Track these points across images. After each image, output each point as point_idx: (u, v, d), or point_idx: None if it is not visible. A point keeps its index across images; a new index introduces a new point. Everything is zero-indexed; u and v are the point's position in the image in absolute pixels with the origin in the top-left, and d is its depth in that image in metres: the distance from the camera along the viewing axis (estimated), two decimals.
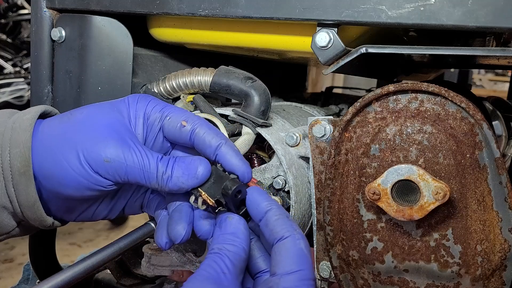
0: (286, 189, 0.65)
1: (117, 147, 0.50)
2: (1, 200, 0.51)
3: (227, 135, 0.63)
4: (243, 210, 0.52)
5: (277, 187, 0.65)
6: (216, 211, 0.51)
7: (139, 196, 0.60)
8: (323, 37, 0.58)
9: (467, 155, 0.56)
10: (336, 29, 0.58)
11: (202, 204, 0.52)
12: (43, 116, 0.56)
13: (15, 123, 0.52)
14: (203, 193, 0.51)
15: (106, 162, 0.49)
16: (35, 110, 0.55)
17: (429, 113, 0.57)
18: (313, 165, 0.63)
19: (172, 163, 0.51)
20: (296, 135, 0.66)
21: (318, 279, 0.67)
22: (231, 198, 0.50)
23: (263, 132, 0.65)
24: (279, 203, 0.64)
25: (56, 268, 0.88)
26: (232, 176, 0.52)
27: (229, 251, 0.47)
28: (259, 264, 0.52)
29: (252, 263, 0.52)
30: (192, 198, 0.52)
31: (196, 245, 0.78)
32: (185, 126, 0.53)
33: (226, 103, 0.81)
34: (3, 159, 0.50)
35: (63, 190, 0.52)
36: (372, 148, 0.59)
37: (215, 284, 0.43)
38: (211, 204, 0.51)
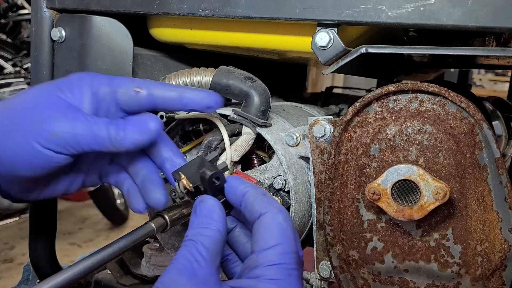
0: (286, 189, 0.65)
1: (63, 119, 0.50)
2: None
3: (227, 135, 0.63)
4: (223, 199, 0.52)
5: (277, 187, 0.65)
6: (195, 198, 0.51)
7: (96, 167, 0.60)
8: (323, 37, 0.58)
9: (467, 155, 0.56)
10: (336, 29, 0.58)
11: (183, 189, 0.52)
12: None
13: None
14: (183, 177, 0.51)
15: (55, 136, 0.49)
16: None
17: (429, 113, 0.57)
18: (313, 165, 0.63)
19: (122, 123, 0.51)
20: (296, 135, 0.66)
21: (318, 279, 0.67)
22: (209, 184, 0.50)
23: (263, 132, 0.65)
24: (279, 203, 0.64)
25: (56, 268, 0.88)
26: (217, 165, 0.52)
27: (203, 236, 0.46)
28: (248, 248, 0.52)
29: (240, 248, 0.52)
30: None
31: None
32: (140, 91, 0.53)
33: (226, 103, 0.81)
34: None
35: (17, 173, 0.51)
36: (372, 148, 0.59)
37: (189, 275, 0.43)
38: (189, 189, 0.51)
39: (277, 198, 0.64)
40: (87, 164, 0.59)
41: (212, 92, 0.55)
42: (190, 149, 0.70)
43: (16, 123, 0.50)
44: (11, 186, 0.55)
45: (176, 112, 0.72)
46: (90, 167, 0.60)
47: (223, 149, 0.63)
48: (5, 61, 3.60)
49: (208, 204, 0.49)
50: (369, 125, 0.59)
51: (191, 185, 0.51)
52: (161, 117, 0.73)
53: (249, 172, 0.67)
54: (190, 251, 0.44)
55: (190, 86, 0.55)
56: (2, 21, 3.79)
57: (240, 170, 0.67)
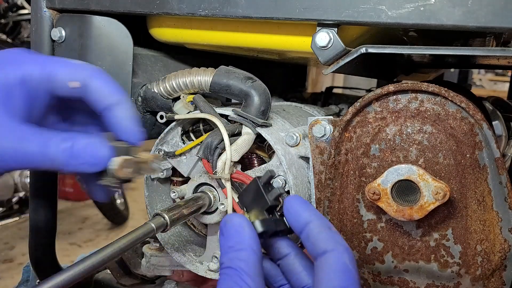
0: (286, 189, 0.65)
1: None
2: None
3: (227, 135, 0.63)
4: (276, 218, 0.49)
5: (277, 187, 0.65)
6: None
7: None
8: (323, 37, 0.58)
9: (467, 155, 0.56)
10: (336, 29, 0.58)
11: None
12: None
13: None
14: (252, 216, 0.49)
15: None
16: None
17: (429, 113, 0.57)
18: (313, 165, 0.63)
19: (69, 147, 0.46)
20: (296, 135, 0.66)
21: None
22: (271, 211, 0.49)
23: (263, 132, 0.65)
24: (279, 203, 0.64)
25: (56, 268, 0.88)
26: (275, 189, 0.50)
27: (241, 261, 0.43)
28: (302, 279, 0.48)
29: (294, 278, 0.49)
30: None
31: (195, 245, 0.78)
32: (75, 86, 0.48)
33: (226, 103, 0.81)
34: None
35: None
36: (372, 148, 0.59)
37: None
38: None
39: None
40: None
41: (141, 130, 0.49)
42: (190, 149, 0.70)
43: None
44: None
45: (176, 112, 0.72)
46: None
47: (223, 149, 0.63)
48: None
49: (235, 224, 0.46)
50: (369, 125, 0.59)
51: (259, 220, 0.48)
52: (161, 117, 0.73)
53: (249, 172, 0.67)
54: (234, 280, 0.42)
55: (129, 103, 0.49)
56: (2, 21, 3.79)
57: (240, 170, 0.67)
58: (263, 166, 0.67)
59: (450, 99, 0.55)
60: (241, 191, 0.53)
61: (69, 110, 0.54)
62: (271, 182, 0.50)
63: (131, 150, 0.49)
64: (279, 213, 0.50)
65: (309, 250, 0.46)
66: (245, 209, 0.50)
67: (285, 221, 0.49)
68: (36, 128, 0.47)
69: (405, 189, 0.57)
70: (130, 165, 0.48)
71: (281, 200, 0.49)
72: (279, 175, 0.65)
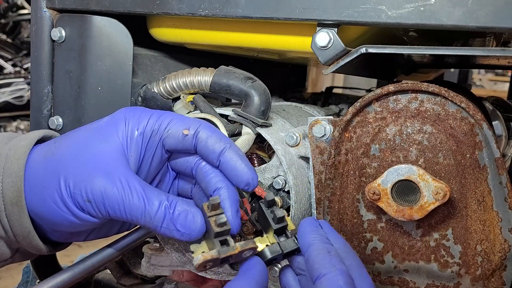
0: (286, 189, 0.65)
1: (103, 184, 0.47)
2: None
3: (227, 135, 0.63)
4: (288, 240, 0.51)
5: (277, 187, 0.65)
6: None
7: None
8: (323, 37, 0.58)
9: (467, 155, 0.56)
10: (336, 29, 0.58)
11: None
12: (45, 139, 0.54)
13: (10, 150, 0.50)
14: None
15: (88, 203, 0.47)
16: (31, 137, 0.52)
17: (429, 113, 0.57)
18: (313, 165, 0.63)
19: (169, 216, 0.48)
20: (296, 135, 0.66)
21: None
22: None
23: (263, 132, 0.65)
24: (279, 203, 0.64)
25: (56, 268, 0.88)
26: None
27: None
28: None
29: None
30: None
31: None
32: (187, 134, 0.51)
33: (226, 103, 0.81)
34: None
35: (53, 226, 0.50)
36: (372, 148, 0.59)
37: None
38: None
39: (277, 198, 0.64)
40: None
41: (252, 169, 0.52)
42: None
43: (54, 178, 0.48)
44: (54, 234, 0.53)
45: (176, 112, 0.72)
46: None
47: None
48: (5, 61, 3.60)
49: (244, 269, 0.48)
50: (369, 125, 0.59)
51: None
52: None
53: None
54: None
55: (236, 147, 0.52)
56: (2, 21, 3.79)
57: None
58: (263, 166, 0.67)
59: (450, 99, 0.55)
60: (256, 216, 0.55)
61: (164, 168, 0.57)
62: (274, 205, 0.52)
63: (227, 236, 0.49)
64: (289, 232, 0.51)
65: (308, 272, 0.47)
66: (264, 232, 0.52)
67: (295, 240, 0.50)
68: (145, 183, 0.49)
69: (405, 189, 0.57)
70: (213, 262, 0.47)
71: (286, 220, 0.51)
72: (279, 175, 0.65)
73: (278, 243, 0.50)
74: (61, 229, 0.51)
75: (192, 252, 0.48)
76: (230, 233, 0.48)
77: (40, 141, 0.54)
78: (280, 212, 0.50)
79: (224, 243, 0.47)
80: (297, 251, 0.50)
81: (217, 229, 0.47)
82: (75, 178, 0.48)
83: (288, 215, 0.53)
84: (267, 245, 0.50)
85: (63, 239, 0.54)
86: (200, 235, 0.49)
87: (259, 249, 0.49)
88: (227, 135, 0.63)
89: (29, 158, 0.50)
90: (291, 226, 0.52)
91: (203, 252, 0.47)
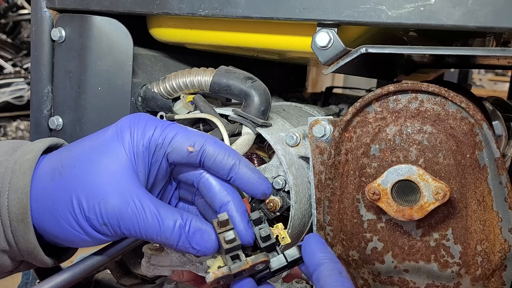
0: (286, 189, 0.65)
1: (117, 205, 0.47)
2: (0, 245, 0.50)
3: (227, 135, 0.63)
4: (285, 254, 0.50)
5: (277, 187, 0.65)
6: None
7: None
8: (323, 37, 0.58)
9: (467, 155, 0.56)
10: (336, 29, 0.58)
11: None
12: (52, 148, 0.54)
13: (16, 164, 0.49)
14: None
15: (104, 227, 0.47)
16: (37, 149, 0.51)
17: (429, 113, 0.57)
18: (313, 165, 0.63)
19: (184, 235, 0.48)
20: (296, 135, 0.66)
21: None
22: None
23: (263, 132, 0.65)
24: (279, 203, 0.64)
25: (56, 268, 0.88)
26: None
27: None
28: None
29: None
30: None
31: None
32: (192, 151, 0.50)
33: (226, 103, 0.81)
34: (1, 204, 0.48)
35: (65, 244, 0.50)
36: (372, 148, 0.59)
37: None
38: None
39: (277, 198, 0.64)
40: None
41: (265, 179, 0.51)
42: None
43: (65, 197, 0.48)
44: (55, 246, 0.53)
45: (176, 112, 0.72)
46: None
47: None
48: (5, 61, 3.60)
49: None
50: (369, 125, 0.59)
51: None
52: (161, 117, 0.73)
53: None
54: None
55: (246, 160, 0.51)
56: (2, 21, 3.80)
57: None
58: (263, 166, 0.67)
59: (450, 99, 0.55)
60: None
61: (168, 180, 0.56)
62: (262, 222, 0.51)
63: (238, 251, 0.49)
64: (280, 248, 0.51)
65: None
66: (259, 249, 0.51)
67: (286, 257, 0.50)
68: (158, 201, 0.49)
69: (405, 189, 0.57)
70: (226, 278, 0.48)
71: (273, 237, 0.51)
72: (279, 175, 0.65)
73: (283, 255, 0.50)
74: (74, 246, 0.51)
75: (208, 267, 0.49)
76: (244, 245, 0.49)
77: (47, 150, 0.53)
78: (265, 231, 0.50)
79: (235, 257, 0.48)
80: (289, 267, 0.51)
81: (227, 246, 0.48)
82: (88, 201, 0.47)
83: (285, 228, 0.53)
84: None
85: (74, 248, 0.55)
86: (214, 251, 0.49)
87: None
88: (227, 135, 0.63)
89: (36, 173, 0.49)
90: (286, 240, 0.52)
91: (219, 267, 0.48)
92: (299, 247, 0.50)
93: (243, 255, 0.48)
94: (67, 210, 0.47)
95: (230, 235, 0.48)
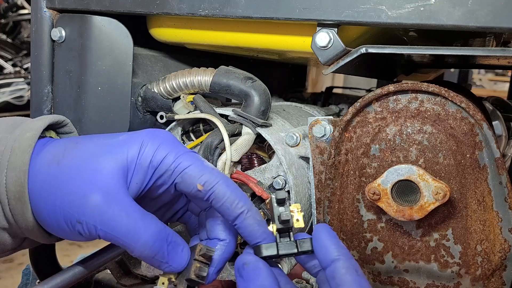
0: (286, 189, 0.65)
1: (98, 208, 0.45)
2: (0, 222, 0.49)
3: (227, 135, 0.63)
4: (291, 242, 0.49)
5: (277, 187, 0.65)
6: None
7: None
8: (323, 37, 0.58)
9: (467, 155, 0.56)
10: (336, 29, 0.58)
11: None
12: (53, 125, 0.53)
13: (15, 142, 0.49)
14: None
15: (79, 224, 0.46)
16: (37, 127, 0.51)
17: (429, 113, 0.57)
18: (313, 165, 0.63)
19: (163, 249, 0.47)
20: (296, 135, 0.66)
21: None
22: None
23: (263, 132, 0.65)
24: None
25: (56, 268, 0.88)
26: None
27: None
28: None
29: None
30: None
31: None
32: (201, 190, 0.48)
33: (226, 103, 0.81)
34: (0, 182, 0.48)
35: (47, 228, 0.50)
36: (372, 148, 0.59)
37: None
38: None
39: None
40: None
41: (269, 233, 0.50)
42: (190, 149, 0.70)
43: (56, 191, 0.47)
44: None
45: (176, 112, 0.72)
46: None
47: (223, 149, 0.63)
48: (5, 61, 3.60)
49: (252, 266, 0.46)
50: (369, 125, 0.59)
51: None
52: (161, 117, 0.73)
53: (249, 172, 0.67)
54: None
55: (255, 209, 0.50)
56: (2, 21, 3.79)
57: (240, 170, 0.67)
58: (263, 166, 0.67)
59: (450, 99, 0.55)
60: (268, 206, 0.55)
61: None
62: (285, 203, 0.50)
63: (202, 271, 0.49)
64: (293, 235, 0.51)
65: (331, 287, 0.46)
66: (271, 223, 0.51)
67: (297, 245, 0.49)
68: (142, 210, 0.47)
69: (405, 189, 0.57)
70: None
71: (291, 223, 0.50)
72: (279, 175, 0.65)
73: (276, 244, 0.49)
74: (55, 234, 0.50)
75: (157, 278, 0.49)
76: (193, 282, 0.49)
77: (49, 127, 0.52)
78: (287, 215, 0.49)
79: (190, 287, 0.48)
80: (296, 255, 0.50)
81: (193, 277, 0.47)
82: (69, 195, 0.46)
83: (301, 211, 0.52)
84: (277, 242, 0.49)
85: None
86: (180, 270, 0.49)
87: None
88: (227, 135, 0.63)
89: (38, 155, 0.49)
90: (300, 224, 0.50)
91: (162, 283, 0.49)
92: (311, 240, 0.49)
93: None
94: (53, 199, 0.47)
95: (204, 271, 0.48)
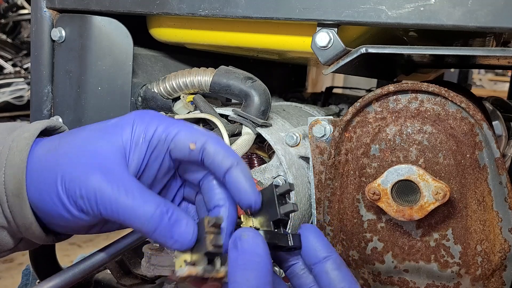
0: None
1: (98, 182, 0.46)
2: None
3: (227, 135, 0.63)
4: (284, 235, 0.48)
5: None
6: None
7: None
8: (323, 37, 0.58)
9: (467, 155, 0.56)
10: (336, 29, 0.58)
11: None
12: (50, 130, 0.54)
13: (13, 142, 0.50)
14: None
15: (81, 200, 0.46)
16: (34, 128, 0.52)
17: (429, 113, 0.57)
18: (313, 165, 0.63)
19: (165, 222, 0.47)
20: (296, 135, 0.66)
21: None
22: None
23: (263, 132, 0.65)
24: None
25: (56, 268, 0.88)
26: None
27: (256, 279, 0.43)
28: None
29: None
30: None
31: None
32: (193, 149, 0.49)
33: (226, 103, 0.81)
34: None
35: (50, 220, 0.50)
36: (372, 148, 0.59)
37: None
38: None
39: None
40: None
41: (256, 191, 0.49)
42: None
43: (52, 174, 0.47)
44: (54, 226, 0.52)
45: (176, 112, 0.72)
46: None
47: None
48: (5, 61, 3.60)
49: (252, 237, 0.46)
50: (369, 125, 0.59)
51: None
52: None
53: None
54: None
55: (243, 165, 0.50)
56: (2, 21, 3.79)
57: None
58: (263, 166, 0.67)
59: (450, 99, 0.55)
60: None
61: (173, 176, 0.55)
62: (286, 195, 0.50)
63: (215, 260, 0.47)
64: (284, 229, 0.50)
65: (324, 284, 0.47)
66: (249, 212, 0.50)
67: (289, 239, 0.49)
68: (143, 186, 0.48)
69: (405, 189, 0.57)
70: (194, 277, 0.46)
71: (290, 217, 0.49)
72: (279, 175, 0.65)
73: (274, 232, 0.48)
74: (57, 223, 0.50)
75: (174, 257, 0.47)
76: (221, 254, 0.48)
77: (45, 132, 0.53)
78: (291, 206, 0.48)
79: (211, 262, 0.47)
80: (288, 250, 0.49)
81: (211, 248, 0.46)
82: (71, 174, 0.47)
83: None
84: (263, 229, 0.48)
85: (65, 231, 0.54)
86: (191, 246, 0.48)
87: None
88: (227, 135, 0.63)
89: (33, 151, 0.50)
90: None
91: (185, 261, 0.46)
92: (299, 236, 0.49)
93: (218, 262, 0.47)
94: (51, 182, 0.47)
95: (220, 240, 0.47)
